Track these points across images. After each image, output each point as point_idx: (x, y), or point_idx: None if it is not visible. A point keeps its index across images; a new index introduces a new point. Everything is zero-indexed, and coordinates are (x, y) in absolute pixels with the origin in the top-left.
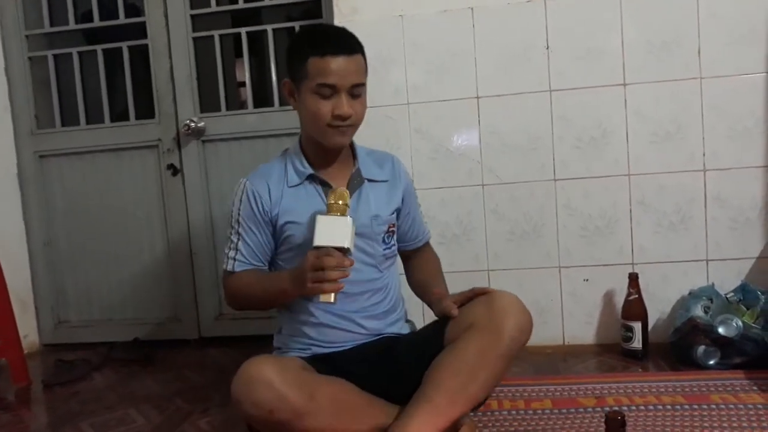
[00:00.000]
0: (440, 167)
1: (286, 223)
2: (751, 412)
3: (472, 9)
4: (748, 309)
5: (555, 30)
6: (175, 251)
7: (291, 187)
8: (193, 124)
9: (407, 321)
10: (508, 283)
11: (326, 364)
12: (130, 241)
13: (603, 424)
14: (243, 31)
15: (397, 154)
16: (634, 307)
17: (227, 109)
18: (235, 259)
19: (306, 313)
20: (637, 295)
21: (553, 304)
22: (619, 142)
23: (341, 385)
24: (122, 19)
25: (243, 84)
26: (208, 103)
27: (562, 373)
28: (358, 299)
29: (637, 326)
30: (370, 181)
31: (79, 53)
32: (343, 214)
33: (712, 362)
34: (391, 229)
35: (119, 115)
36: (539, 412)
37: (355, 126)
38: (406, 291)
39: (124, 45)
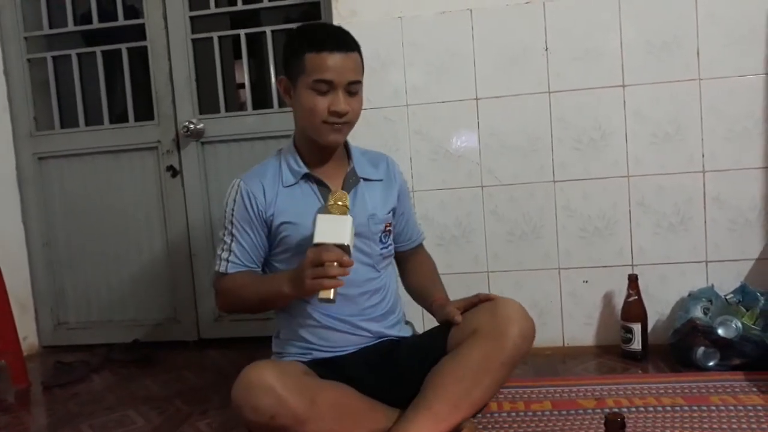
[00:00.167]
0: (439, 169)
1: (282, 223)
2: (751, 414)
3: (471, 10)
4: (747, 310)
5: (554, 31)
6: (175, 253)
7: (286, 186)
8: (192, 126)
9: (406, 323)
10: (508, 285)
11: (327, 368)
12: (129, 242)
13: (603, 425)
14: (242, 32)
15: (396, 156)
16: (634, 309)
17: (226, 110)
18: (228, 261)
19: (306, 317)
20: (636, 297)
21: (553, 305)
22: (619, 143)
23: (342, 390)
24: (121, 21)
25: (242, 85)
26: (207, 104)
27: (561, 375)
28: (358, 300)
29: (637, 327)
30: (365, 180)
31: (78, 55)
32: (343, 214)
33: (711, 363)
34: (387, 228)
35: (118, 116)
36: (539, 413)
37: (350, 124)
38: (402, 292)
39: (123, 47)
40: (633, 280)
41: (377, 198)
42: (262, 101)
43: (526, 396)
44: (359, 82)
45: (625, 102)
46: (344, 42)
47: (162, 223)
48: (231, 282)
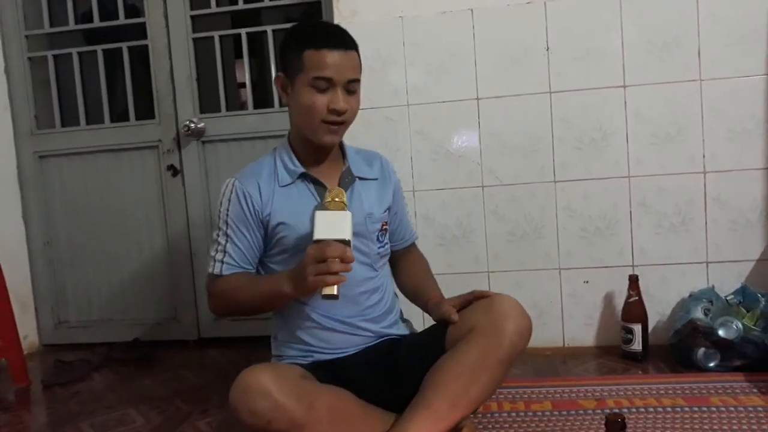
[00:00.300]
0: (440, 169)
1: (279, 224)
2: (751, 415)
3: (471, 10)
4: (748, 311)
5: (555, 31)
6: (175, 252)
7: (282, 186)
8: (193, 125)
9: (404, 320)
10: (508, 285)
11: (327, 370)
12: (129, 241)
13: (603, 426)
14: (243, 31)
15: (397, 156)
16: (634, 309)
17: (227, 109)
18: (223, 262)
19: (305, 319)
20: (637, 297)
21: (553, 305)
22: (620, 143)
23: (339, 394)
24: (122, 20)
25: (243, 85)
26: (208, 103)
27: (562, 375)
28: (358, 300)
29: (637, 328)
30: (360, 179)
31: (79, 53)
32: (341, 211)
33: (712, 364)
34: (384, 227)
35: (119, 115)
36: (539, 413)
37: (347, 124)
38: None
39: (124, 45)
40: (633, 280)
41: (373, 197)
42: (262, 100)
43: (526, 396)
44: (358, 81)
45: (626, 102)
46: (344, 40)
47: (162, 222)
48: (225, 284)
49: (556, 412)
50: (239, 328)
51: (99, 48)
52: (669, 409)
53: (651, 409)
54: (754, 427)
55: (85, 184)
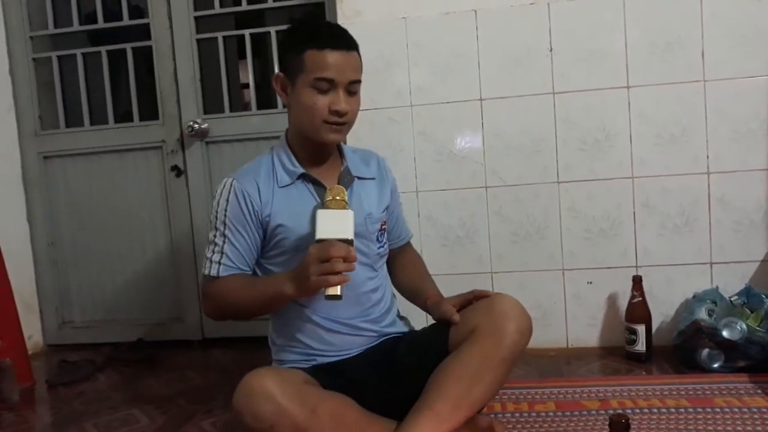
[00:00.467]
0: (444, 169)
1: (279, 225)
2: (756, 416)
3: (475, 11)
4: (752, 312)
5: (558, 32)
6: (179, 252)
7: (282, 187)
8: (196, 126)
9: (401, 318)
10: (511, 286)
11: (329, 373)
12: (133, 241)
13: (607, 427)
14: (246, 32)
15: (400, 156)
16: (638, 310)
17: (231, 110)
18: (220, 263)
19: (305, 322)
20: (640, 298)
21: (557, 306)
22: (623, 144)
23: (342, 401)
24: (126, 21)
25: (246, 85)
26: (211, 104)
27: (565, 376)
28: (360, 300)
29: (641, 329)
30: (359, 179)
31: (83, 54)
32: (343, 209)
33: (716, 365)
34: (383, 227)
35: (123, 116)
36: (543, 414)
37: (349, 124)
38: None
39: (128, 46)
40: (637, 281)
41: (372, 197)
42: (266, 101)
43: (530, 397)
44: (359, 82)
45: (629, 103)
46: (345, 41)
47: (166, 222)
48: (223, 286)
49: (559, 413)
50: (243, 329)
51: (103, 49)
52: (673, 409)
53: (655, 410)
54: (759, 428)
55: (89, 185)
